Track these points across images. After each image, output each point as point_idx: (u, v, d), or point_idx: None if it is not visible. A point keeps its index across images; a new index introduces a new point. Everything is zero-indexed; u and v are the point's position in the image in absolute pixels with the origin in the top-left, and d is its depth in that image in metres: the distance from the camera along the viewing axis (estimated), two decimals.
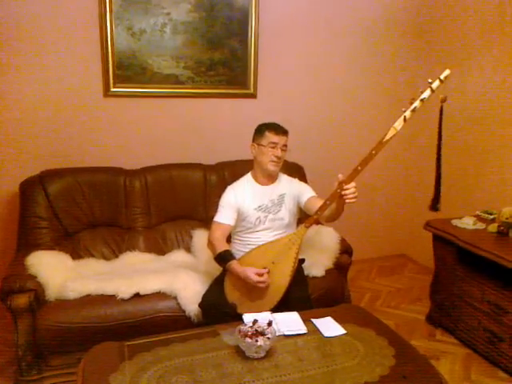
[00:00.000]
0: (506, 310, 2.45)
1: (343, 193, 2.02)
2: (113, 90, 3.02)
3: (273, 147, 2.35)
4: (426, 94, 1.99)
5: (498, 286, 2.50)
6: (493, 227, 2.73)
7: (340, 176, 2.04)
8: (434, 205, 2.22)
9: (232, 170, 3.00)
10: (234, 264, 2.21)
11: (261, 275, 2.16)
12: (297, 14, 3.36)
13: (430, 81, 1.98)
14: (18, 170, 2.83)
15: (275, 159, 2.35)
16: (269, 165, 2.37)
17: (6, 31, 2.74)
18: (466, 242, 2.61)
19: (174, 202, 2.97)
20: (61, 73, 2.90)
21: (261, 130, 2.40)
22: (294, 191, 2.46)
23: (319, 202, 2.23)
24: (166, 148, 3.22)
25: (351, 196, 2.02)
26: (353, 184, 2.02)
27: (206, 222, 2.88)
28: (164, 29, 3.03)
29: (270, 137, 2.35)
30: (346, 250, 2.77)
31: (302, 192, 2.45)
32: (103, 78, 2.99)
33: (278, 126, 2.40)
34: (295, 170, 3.05)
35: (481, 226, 2.81)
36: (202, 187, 3.01)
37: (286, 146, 2.39)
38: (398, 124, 2.03)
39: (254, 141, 2.43)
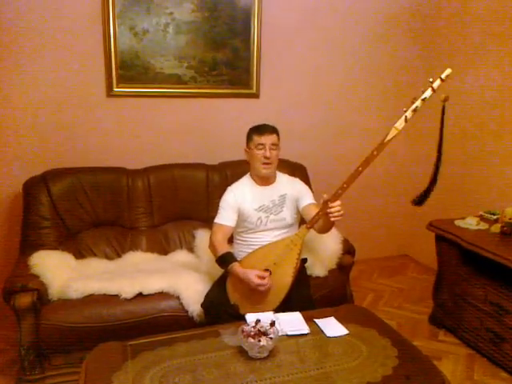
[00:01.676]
0: (509, 311, 2.44)
1: (328, 211, 2.05)
2: (116, 90, 3.02)
3: (261, 148, 2.35)
4: (427, 93, 1.99)
5: (501, 287, 2.50)
6: (496, 227, 2.72)
7: (325, 196, 2.07)
8: (421, 200, 2.22)
9: (234, 170, 3.00)
10: (235, 266, 2.21)
11: (262, 278, 2.16)
12: (299, 13, 3.36)
13: (431, 80, 1.98)
14: (21, 170, 2.84)
15: (265, 160, 2.35)
16: (260, 168, 2.37)
17: (9, 31, 2.74)
18: (468, 242, 2.60)
19: (177, 202, 2.98)
20: (63, 73, 2.91)
21: (249, 134, 2.42)
22: (294, 193, 2.46)
23: (315, 211, 2.23)
24: (168, 148, 3.23)
25: (336, 214, 2.05)
26: (338, 202, 2.05)
27: (209, 222, 2.87)
28: (167, 29, 3.03)
29: (256, 139, 2.36)
30: (348, 250, 2.77)
31: (302, 196, 2.45)
32: (106, 78, 2.99)
33: (264, 126, 2.40)
34: (298, 170, 3.05)
35: (484, 226, 2.80)
36: (205, 187, 3.02)
37: (275, 145, 2.37)
38: (400, 124, 2.03)
39: (246, 146, 2.45)
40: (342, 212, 2.05)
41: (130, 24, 2.95)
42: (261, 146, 2.35)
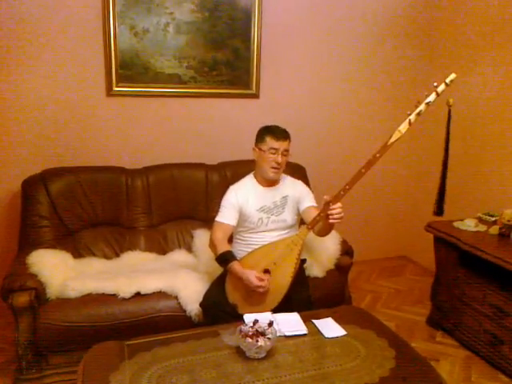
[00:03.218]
0: (507, 313, 2.45)
1: (329, 213, 2.05)
2: (115, 89, 3.02)
3: (273, 153, 2.32)
4: (432, 97, 1.99)
5: (499, 288, 2.50)
6: (494, 229, 2.73)
7: (326, 197, 2.06)
8: (439, 209, 2.22)
9: (234, 170, 3.01)
10: (235, 265, 2.21)
11: (261, 280, 2.16)
12: (299, 14, 3.36)
13: (435, 84, 1.98)
14: (19, 169, 2.83)
15: (275, 165, 2.33)
16: (269, 172, 2.35)
17: (8, 30, 2.74)
18: (467, 244, 2.60)
19: (176, 201, 2.97)
20: (63, 72, 2.90)
21: (261, 135, 2.38)
22: (296, 195, 2.46)
23: (315, 214, 2.23)
24: (167, 147, 3.23)
25: (336, 216, 2.04)
26: (339, 205, 2.05)
27: (208, 222, 2.88)
28: (167, 28, 3.03)
29: (271, 143, 2.32)
30: (346, 251, 2.77)
31: (304, 198, 2.45)
32: (106, 77, 2.99)
33: (279, 130, 2.36)
34: (297, 171, 3.05)
35: (482, 228, 2.80)
36: (204, 187, 3.02)
37: (287, 151, 2.35)
38: (403, 127, 2.03)
39: (255, 144, 2.41)
40: (342, 214, 2.05)
41: (130, 23, 2.95)
42: (273, 151, 2.32)
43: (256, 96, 3.37)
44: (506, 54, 3.06)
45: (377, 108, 3.73)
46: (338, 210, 2.04)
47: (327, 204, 2.05)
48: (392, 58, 3.70)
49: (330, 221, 2.06)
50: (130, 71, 3.02)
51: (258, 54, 3.27)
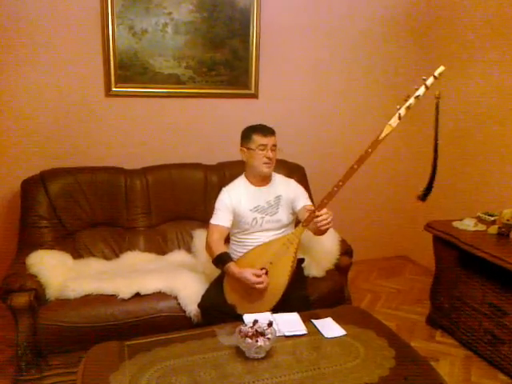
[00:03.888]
0: (507, 312, 2.45)
1: (315, 220, 2.08)
2: (114, 89, 3.02)
3: (262, 149, 2.33)
4: (421, 91, 1.99)
5: (499, 288, 2.50)
6: (493, 229, 2.73)
7: (308, 207, 2.14)
8: (425, 195, 2.20)
9: (232, 171, 2.99)
10: (231, 266, 2.21)
11: (258, 276, 2.16)
12: (298, 14, 3.36)
13: (424, 78, 1.98)
14: (19, 170, 2.83)
15: (267, 161, 2.34)
16: (262, 167, 2.36)
17: (7, 30, 2.74)
18: (466, 243, 2.60)
19: (175, 202, 2.97)
20: (62, 72, 2.90)
21: (248, 134, 2.38)
22: (290, 194, 2.46)
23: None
24: (166, 148, 3.22)
25: (324, 223, 2.07)
26: (324, 211, 2.07)
27: (207, 222, 2.84)
28: (165, 29, 3.03)
29: (258, 140, 2.33)
30: (346, 250, 2.76)
31: (298, 197, 2.45)
32: (104, 77, 2.99)
33: (264, 127, 2.38)
34: (296, 171, 3.05)
35: (481, 227, 2.80)
36: (203, 187, 3.01)
37: (275, 145, 2.37)
38: (394, 121, 2.03)
39: (242, 145, 2.41)
40: (329, 219, 2.08)
41: (128, 24, 2.95)
42: (262, 147, 2.33)
43: (255, 96, 3.37)
44: (504, 54, 3.06)
45: (376, 106, 3.72)
46: (324, 217, 2.06)
47: (312, 212, 2.08)
48: (391, 57, 3.70)
49: (320, 228, 2.09)
50: (128, 71, 3.02)
51: (257, 54, 3.27)
